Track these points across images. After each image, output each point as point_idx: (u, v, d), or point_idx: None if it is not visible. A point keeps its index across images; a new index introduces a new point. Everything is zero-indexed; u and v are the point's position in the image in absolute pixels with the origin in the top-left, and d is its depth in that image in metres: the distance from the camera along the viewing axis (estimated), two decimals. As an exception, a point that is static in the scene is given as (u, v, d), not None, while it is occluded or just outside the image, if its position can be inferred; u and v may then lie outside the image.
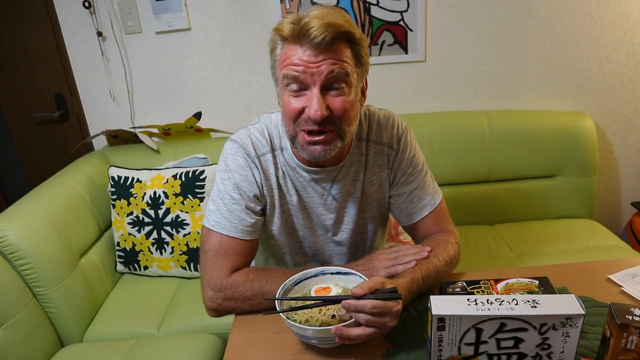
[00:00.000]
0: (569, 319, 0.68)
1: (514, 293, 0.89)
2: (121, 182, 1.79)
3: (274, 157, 1.01)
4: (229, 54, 1.99)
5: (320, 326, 0.81)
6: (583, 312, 0.68)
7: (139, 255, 1.79)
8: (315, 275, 0.94)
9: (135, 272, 1.83)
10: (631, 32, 1.94)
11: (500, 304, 0.70)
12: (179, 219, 1.75)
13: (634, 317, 0.68)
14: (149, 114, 2.08)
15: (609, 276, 1.00)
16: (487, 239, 1.88)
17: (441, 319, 0.70)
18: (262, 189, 1.00)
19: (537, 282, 0.91)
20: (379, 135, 1.04)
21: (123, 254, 1.81)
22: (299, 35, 0.83)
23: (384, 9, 1.91)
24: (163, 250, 1.78)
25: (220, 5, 1.92)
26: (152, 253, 1.78)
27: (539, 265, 1.56)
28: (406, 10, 1.91)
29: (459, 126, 1.92)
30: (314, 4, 1.92)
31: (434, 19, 1.93)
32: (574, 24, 1.93)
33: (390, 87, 2.04)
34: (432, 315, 0.70)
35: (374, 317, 0.77)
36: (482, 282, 0.92)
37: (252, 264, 1.05)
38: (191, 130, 1.98)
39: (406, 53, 1.98)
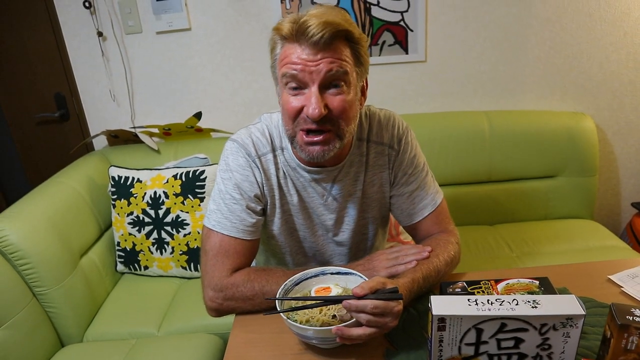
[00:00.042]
0: (569, 320, 0.69)
1: (515, 293, 0.89)
2: (121, 182, 1.79)
3: (275, 157, 1.01)
4: (229, 54, 1.99)
5: (320, 326, 0.81)
6: (583, 313, 0.68)
7: (139, 255, 1.79)
8: (316, 276, 0.94)
9: (136, 272, 1.83)
10: (632, 33, 1.94)
11: (500, 304, 0.70)
12: (179, 219, 1.75)
13: (634, 318, 0.68)
14: (149, 114, 2.08)
15: (609, 277, 1.00)
16: (488, 239, 1.88)
17: (442, 319, 0.70)
18: (263, 189, 1.00)
19: (537, 282, 0.91)
20: (379, 135, 1.04)
21: (123, 254, 1.81)
22: (298, 34, 0.83)
23: (385, 9, 1.91)
24: (163, 250, 1.78)
25: (221, 5, 1.92)
26: (152, 253, 1.78)
27: (539, 265, 1.56)
28: (406, 11, 1.91)
29: (459, 126, 1.93)
30: (314, 3, 1.92)
31: (434, 19, 1.93)
32: (574, 25, 1.93)
33: (390, 87, 2.04)
34: (432, 315, 0.70)
35: (375, 317, 0.77)
36: (483, 282, 0.92)
37: (253, 264, 1.05)
38: (191, 130, 1.98)
39: (406, 53, 1.98)
